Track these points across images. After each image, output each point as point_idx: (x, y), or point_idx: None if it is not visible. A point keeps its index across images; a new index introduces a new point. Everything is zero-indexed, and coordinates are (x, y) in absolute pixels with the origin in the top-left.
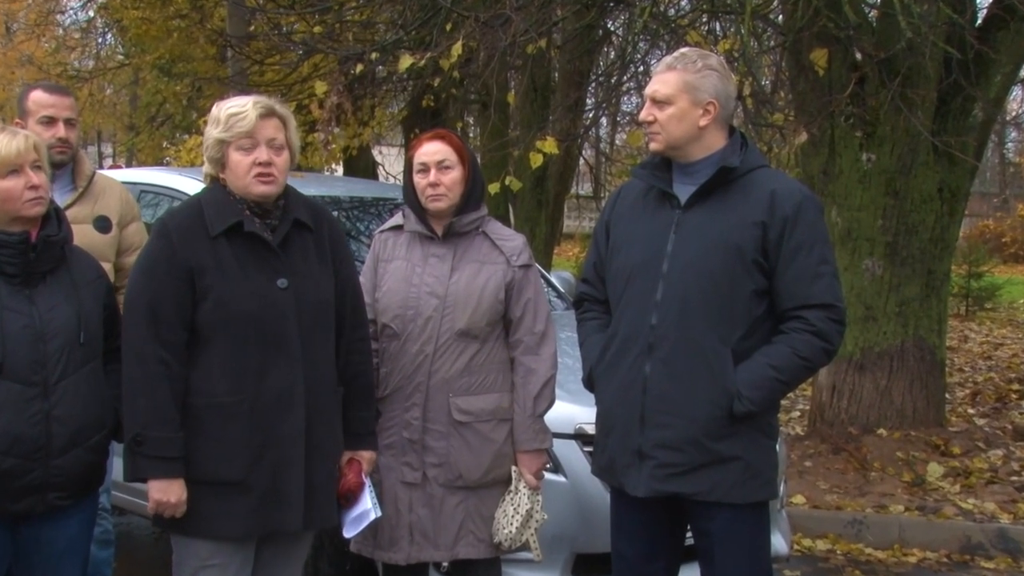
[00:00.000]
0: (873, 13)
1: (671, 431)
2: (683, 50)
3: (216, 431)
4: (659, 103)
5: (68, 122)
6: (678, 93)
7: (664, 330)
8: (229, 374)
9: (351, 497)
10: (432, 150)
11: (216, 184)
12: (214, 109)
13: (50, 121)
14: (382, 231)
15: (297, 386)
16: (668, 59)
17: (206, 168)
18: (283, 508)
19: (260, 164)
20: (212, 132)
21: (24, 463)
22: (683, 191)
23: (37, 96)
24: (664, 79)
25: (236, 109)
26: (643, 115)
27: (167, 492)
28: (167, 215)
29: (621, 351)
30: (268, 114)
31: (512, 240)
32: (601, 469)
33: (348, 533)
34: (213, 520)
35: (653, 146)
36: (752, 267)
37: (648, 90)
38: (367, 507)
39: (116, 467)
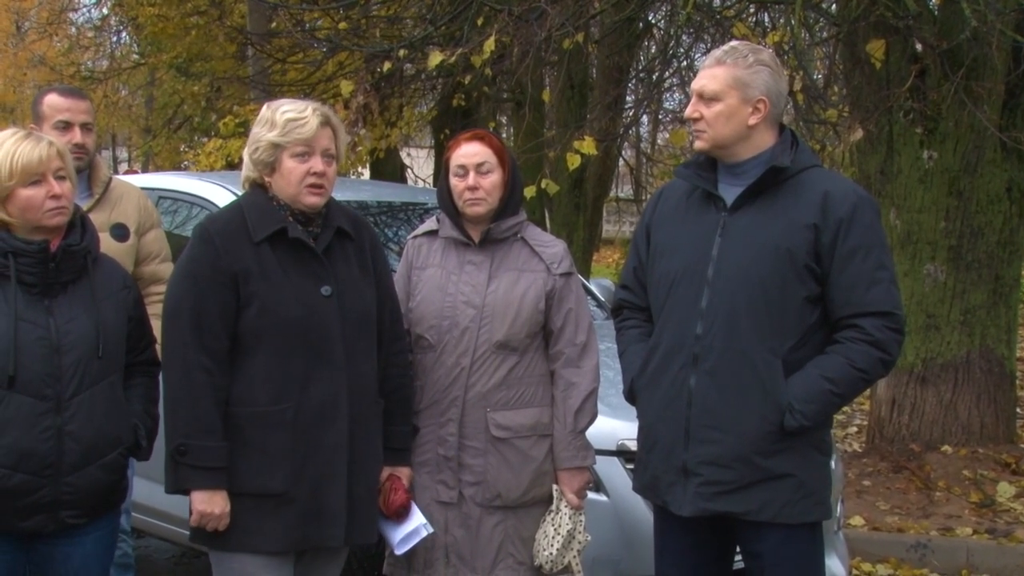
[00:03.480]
0: (935, 0)
1: (718, 447)
2: (733, 44)
3: (258, 442)
4: (707, 100)
5: (84, 127)
6: (727, 89)
7: (710, 340)
8: (272, 383)
9: (403, 513)
10: (471, 152)
11: (256, 188)
12: (266, 110)
13: (66, 126)
14: (415, 236)
15: (340, 396)
16: (717, 53)
17: (248, 171)
18: (325, 522)
19: (315, 174)
20: (265, 134)
21: (33, 480)
22: (729, 192)
23: (52, 100)
24: (713, 74)
25: (295, 114)
26: (689, 112)
27: (211, 503)
28: (207, 220)
29: (664, 363)
30: (325, 123)
31: (552, 247)
32: (643, 487)
33: (400, 551)
34: (255, 534)
35: (698, 145)
36: (804, 272)
37: (695, 85)
38: (419, 523)
39: (136, 487)
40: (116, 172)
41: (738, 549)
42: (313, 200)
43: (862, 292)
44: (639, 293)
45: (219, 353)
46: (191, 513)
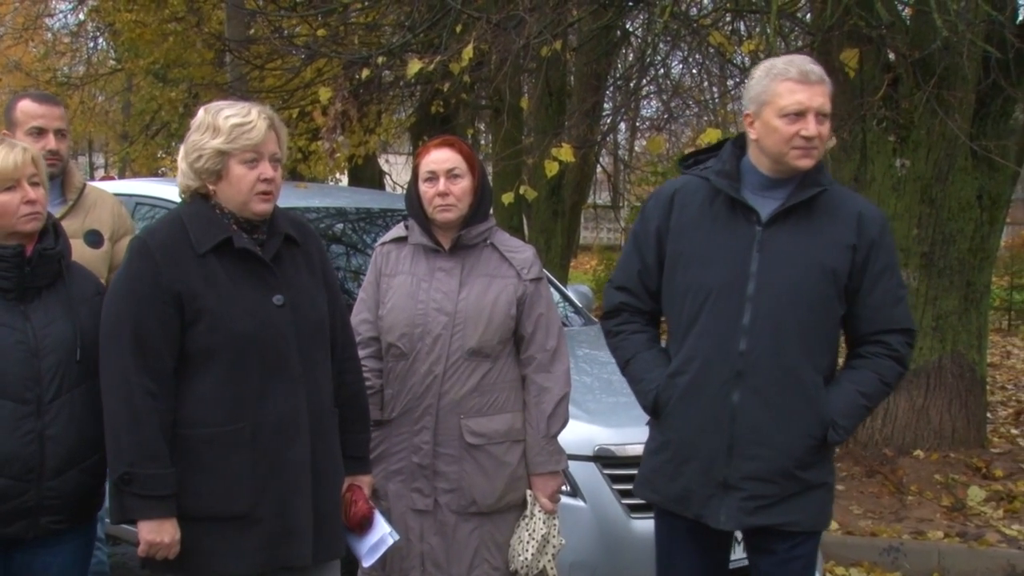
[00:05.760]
0: (907, 11)
1: (762, 463)
2: (807, 58)
3: (217, 463)
4: (821, 118)
5: (58, 133)
6: (830, 108)
7: (756, 357)
8: (226, 401)
9: (365, 524)
10: (441, 158)
11: (197, 197)
12: (205, 115)
13: (39, 132)
14: (383, 243)
15: (300, 410)
16: (815, 69)
17: (189, 181)
18: (292, 541)
19: (265, 180)
20: (209, 141)
21: (16, 484)
22: (761, 205)
23: (25, 106)
24: (825, 92)
25: (240, 119)
26: (812, 131)
27: (160, 532)
28: (145, 234)
29: (701, 378)
30: (271, 125)
31: (522, 252)
32: (669, 499)
33: (367, 562)
34: (219, 558)
35: (806, 163)
36: (842, 292)
37: (814, 103)
38: (384, 532)
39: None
40: (92, 178)
41: (738, 548)
42: (263, 207)
43: (889, 310)
44: (642, 297)
45: (162, 374)
46: (139, 543)
